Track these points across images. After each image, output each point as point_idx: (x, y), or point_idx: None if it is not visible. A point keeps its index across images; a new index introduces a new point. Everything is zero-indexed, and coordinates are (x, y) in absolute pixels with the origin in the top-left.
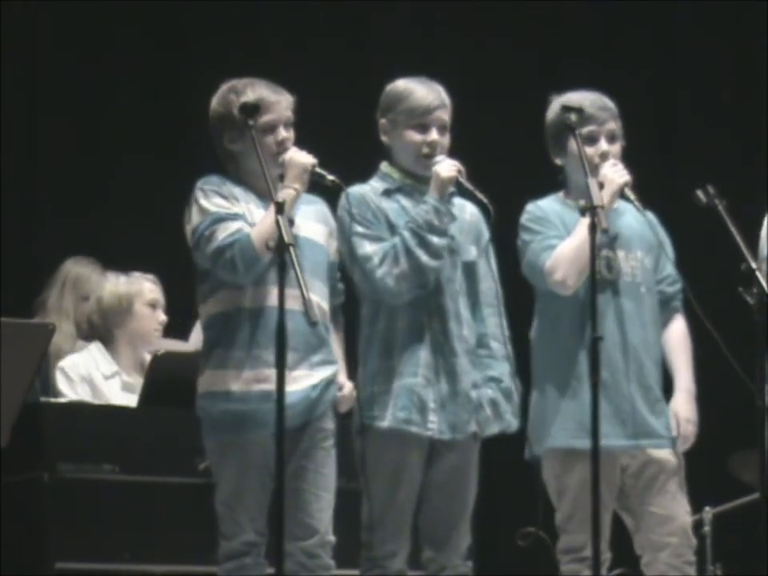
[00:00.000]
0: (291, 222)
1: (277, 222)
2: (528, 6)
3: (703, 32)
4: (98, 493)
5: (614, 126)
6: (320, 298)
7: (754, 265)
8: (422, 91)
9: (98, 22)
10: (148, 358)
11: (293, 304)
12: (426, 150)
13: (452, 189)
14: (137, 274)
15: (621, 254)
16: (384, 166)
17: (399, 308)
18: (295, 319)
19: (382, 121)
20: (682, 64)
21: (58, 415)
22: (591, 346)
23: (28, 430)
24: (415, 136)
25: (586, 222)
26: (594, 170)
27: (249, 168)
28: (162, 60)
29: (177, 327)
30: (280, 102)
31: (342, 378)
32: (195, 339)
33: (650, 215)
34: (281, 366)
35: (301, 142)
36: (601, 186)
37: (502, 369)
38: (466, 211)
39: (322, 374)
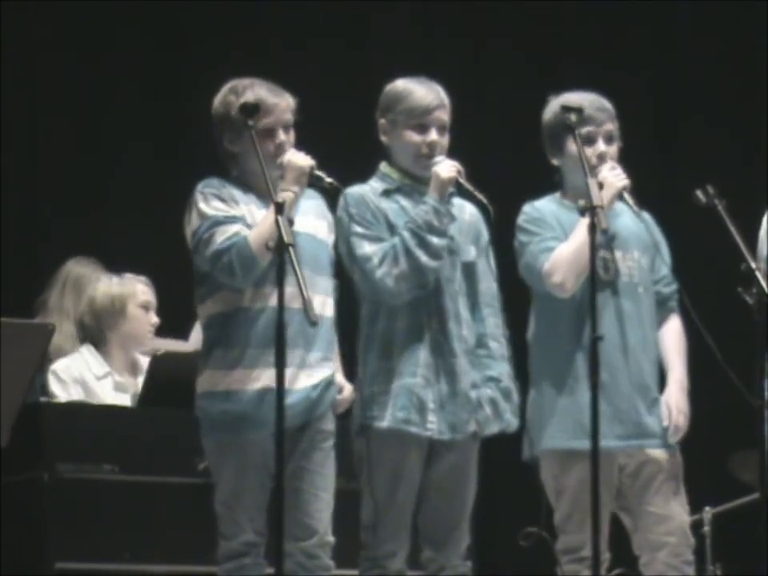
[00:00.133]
0: (291, 222)
1: (276, 222)
2: (528, 6)
3: (703, 32)
4: (98, 493)
5: (611, 126)
6: (325, 295)
7: (753, 265)
8: (421, 91)
9: (98, 22)
10: (140, 358)
11: (293, 303)
12: (425, 150)
13: (451, 189)
14: (129, 276)
15: (618, 254)
16: (383, 166)
17: (399, 308)
18: (295, 318)
19: (382, 121)
20: (681, 64)
21: (57, 415)
22: (591, 346)
23: (28, 429)
24: (414, 136)
25: (585, 223)
26: (592, 170)
27: (249, 168)
28: (161, 60)
29: (177, 327)
30: (278, 105)
31: (340, 377)
32: (195, 339)
33: (646, 215)
34: (280, 366)
35: (301, 142)
36: (600, 186)
37: (501, 369)
38: (466, 211)
39: (322, 373)
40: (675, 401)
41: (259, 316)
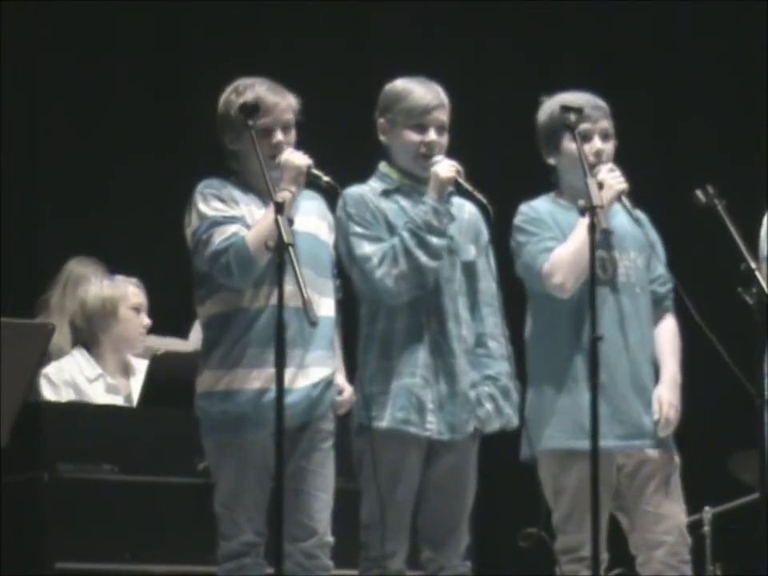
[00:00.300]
0: (290, 222)
1: (276, 222)
2: (528, 6)
3: (703, 32)
4: (98, 493)
5: (606, 124)
6: (326, 295)
7: (753, 265)
8: (420, 91)
9: (98, 21)
10: (132, 359)
11: (293, 303)
12: (423, 149)
13: (450, 189)
14: (119, 277)
15: (615, 254)
16: (382, 166)
17: (398, 308)
18: (295, 318)
19: (381, 120)
20: (681, 64)
21: (57, 415)
22: (591, 346)
23: (28, 429)
24: (413, 136)
25: (584, 224)
26: (590, 169)
27: (249, 168)
28: (161, 60)
29: (177, 327)
30: (278, 105)
31: (341, 379)
32: (195, 339)
33: (641, 215)
34: (280, 366)
35: (301, 142)
36: (600, 186)
37: (500, 368)
38: (465, 210)
39: (322, 373)
40: (666, 395)
41: (259, 316)
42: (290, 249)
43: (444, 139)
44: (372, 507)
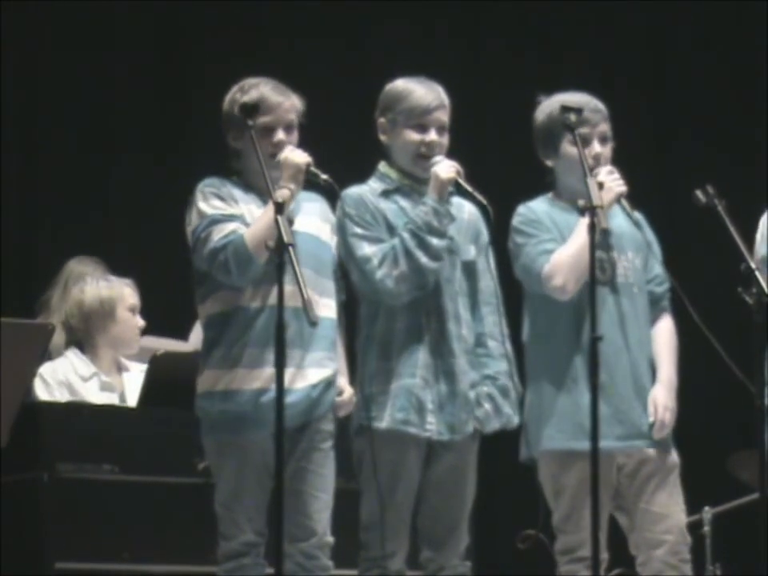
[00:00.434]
0: (290, 222)
1: (276, 221)
2: (527, 7)
3: (703, 32)
4: (98, 493)
5: (605, 127)
6: (327, 296)
7: (753, 265)
8: (421, 91)
9: (98, 21)
10: (123, 361)
11: (293, 302)
12: (423, 149)
13: (450, 189)
14: (114, 278)
15: (614, 254)
16: (382, 166)
17: (398, 309)
18: (295, 318)
19: (381, 120)
20: (681, 64)
21: (57, 415)
22: (591, 346)
23: (28, 430)
24: (414, 136)
25: (584, 225)
26: (589, 171)
27: (250, 167)
28: (162, 60)
29: (177, 327)
30: (282, 104)
31: (343, 380)
32: (195, 339)
33: (638, 215)
34: (280, 366)
35: (301, 142)
36: (600, 186)
37: (498, 367)
38: (465, 210)
39: (322, 373)
40: (662, 398)
41: (258, 315)
42: (290, 249)
43: (445, 139)
44: (372, 507)
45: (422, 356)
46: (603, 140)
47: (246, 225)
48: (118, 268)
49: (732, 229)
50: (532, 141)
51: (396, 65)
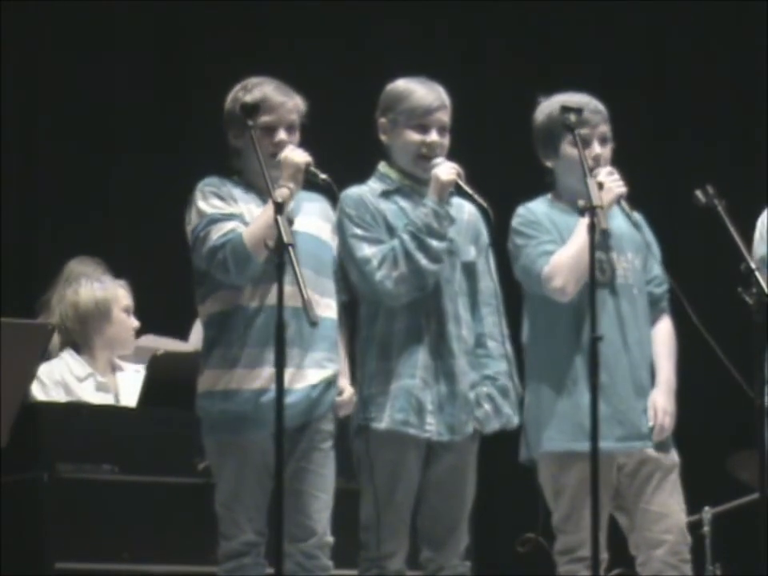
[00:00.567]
0: (290, 222)
1: (276, 221)
2: (527, 7)
3: (703, 32)
4: (98, 493)
5: (605, 128)
6: (328, 296)
7: (753, 265)
8: (422, 91)
9: (98, 21)
10: (117, 361)
11: (293, 302)
12: (424, 150)
13: (450, 190)
14: (107, 279)
15: (613, 255)
16: (382, 166)
17: (397, 309)
18: (295, 318)
19: (382, 120)
20: (681, 64)
21: (57, 415)
22: (590, 346)
23: (27, 430)
24: (415, 136)
25: (584, 226)
26: (589, 172)
27: (250, 166)
28: (162, 60)
29: (177, 327)
30: (284, 104)
31: (344, 381)
32: (195, 339)
33: (638, 216)
34: (280, 366)
35: (301, 142)
36: (600, 186)
37: (498, 368)
38: (464, 211)
39: (322, 373)
40: (662, 402)
41: (257, 315)
42: (290, 249)
43: (446, 140)
44: (371, 508)
45: (421, 357)
46: (603, 141)
47: (245, 224)
48: (118, 268)
49: (732, 229)
50: (532, 141)
51: (396, 65)
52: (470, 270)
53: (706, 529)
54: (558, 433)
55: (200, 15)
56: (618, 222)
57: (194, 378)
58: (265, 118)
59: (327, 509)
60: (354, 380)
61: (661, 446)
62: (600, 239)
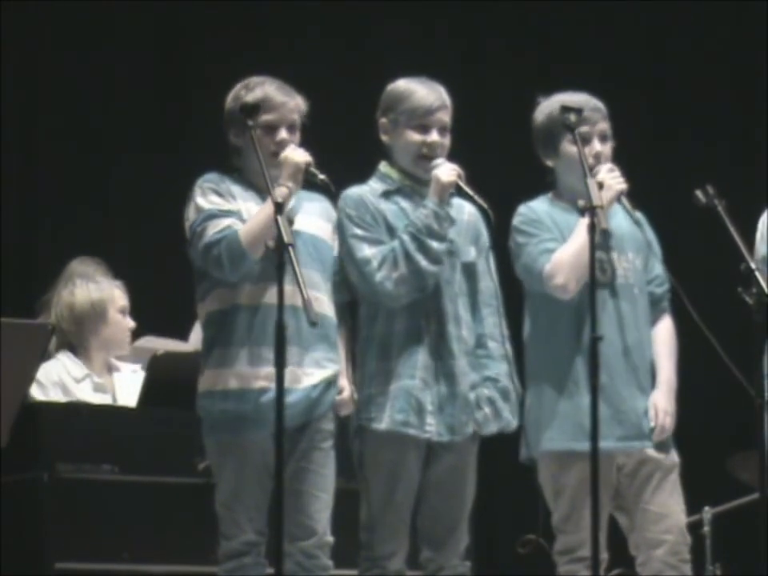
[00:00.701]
0: (290, 222)
1: (276, 221)
2: (527, 7)
3: (703, 32)
4: (98, 493)
5: (605, 126)
6: (327, 296)
7: (753, 265)
8: (423, 92)
9: (98, 21)
10: (114, 362)
11: (292, 302)
12: (425, 150)
13: (451, 191)
14: (103, 280)
15: (613, 255)
16: (383, 166)
17: (397, 310)
18: (294, 317)
19: (383, 120)
20: (682, 64)
21: (57, 415)
22: (591, 346)
23: (27, 430)
24: (415, 136)
25: (584, 224)
26: (590, 170)
27: (250, 165)
28: (162, 60)
29: (177, 327)
30: (286, 104)
31: (344, 380)
32: (195, 339)
33: (639, 215)
34: (280, 365)
35: (301, 142)
36: (600, 186)
37: (499, 369)
38: (465, 211)
39: (322, 373)
40: (662, 402)
41: (256, 314)
42: (290, 249)
43: (446, 140)
44: (371, 508)
45: (421, 357)
46: (603, 138)
47: (243, 221)
48: (117, 268)
49: (732, 229)
50: (532, 141)
51: (396, 65)
52: (470, 271)
53: (706, 529)
54: (558, 433)
55: (200, 15)
56: (619, 221)
57: (194, 378)
58: (266, 117)
59: (327, 509)
60: (354, 379)
61: (661, 446)
62: (600, 239)
